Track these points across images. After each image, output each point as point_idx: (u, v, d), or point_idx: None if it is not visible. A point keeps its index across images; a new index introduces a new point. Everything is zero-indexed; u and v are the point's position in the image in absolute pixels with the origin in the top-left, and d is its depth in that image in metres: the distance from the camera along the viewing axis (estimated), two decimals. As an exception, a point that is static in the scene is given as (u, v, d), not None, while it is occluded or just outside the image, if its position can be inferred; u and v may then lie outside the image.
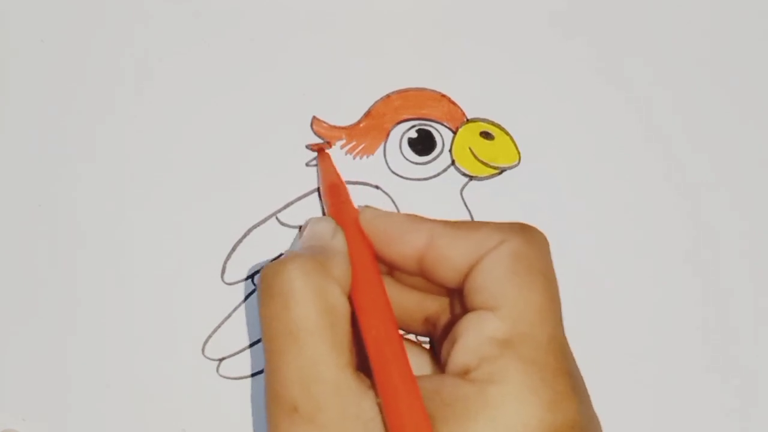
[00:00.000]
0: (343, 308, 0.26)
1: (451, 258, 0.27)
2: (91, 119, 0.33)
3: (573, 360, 0.26)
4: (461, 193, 0.33)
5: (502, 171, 0.33)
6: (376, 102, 0.33)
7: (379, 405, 0.25)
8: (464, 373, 0.25)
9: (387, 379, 0.25)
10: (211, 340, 0.32)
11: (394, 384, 0.24)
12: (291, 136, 0.33)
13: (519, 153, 0.33)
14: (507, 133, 0.34)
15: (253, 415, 0.32)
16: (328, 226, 0.29)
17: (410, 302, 0.30)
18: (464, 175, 0.33)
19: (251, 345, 0.32)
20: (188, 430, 0.32)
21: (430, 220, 0.28)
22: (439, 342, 0.29)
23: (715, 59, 0.35)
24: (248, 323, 0.32)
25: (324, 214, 0.32)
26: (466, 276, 0.27)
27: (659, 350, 0.33)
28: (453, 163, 0.33)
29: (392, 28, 0.34)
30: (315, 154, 0.33)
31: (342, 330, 0.26)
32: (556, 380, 0.25)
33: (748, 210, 0.34)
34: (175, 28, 0.34)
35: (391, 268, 0.29)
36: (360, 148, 0.33)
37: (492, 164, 0.33)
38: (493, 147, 0.33)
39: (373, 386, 0.25)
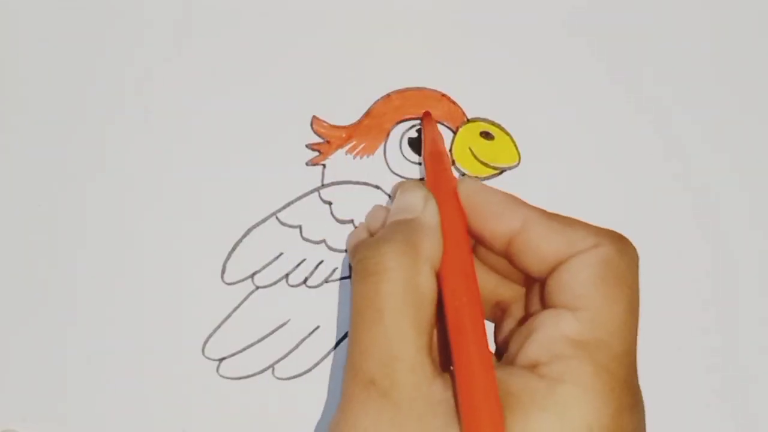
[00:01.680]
0: (430, 291, 0.26)
1: (541, 248, 0.27)
2: (91, 120, 0.33)
3: (637, 376, 0.26)
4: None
5: (502, 171, 0.33)
6: (376, 102, 0.33)
7: (453, 378, 0.25)
8: (533, 367, 0.25)
9: (465, 355, 0.25)
10: (211, 340, 0.32)
11: (472, 362, 0.25)
12: (291, 136, 0.33)
13: (519, 153, 0.33)
14: (507, 133, 0.34)
15: (252, 415, 0.32)
16: (419, 195, 0.29)
17: (487, 283, 0.30)
18: (464, 175, 0.33)
19: (251, 345, 0.32)
20: (188, 430, 0.32)
21: (528, 205, 0.28)
22: (505, 332, 0.29)
23: (717, 59, 0.35)
24: (248, 323, 0.32)
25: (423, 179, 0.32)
26: (551, 271, 0.27)
27: (660, 350, 0.33)
28: (453, 163, 0.33)
29: (393, 28, 0.34)
30: (315, 153, 0.33)
31: (426, 312, 0.26)
32: (624, 392, 0.25)
33: (750, 209, 0.34)
34: (175, 28, 0.34)
35: (477, 244, 0.29)
36: (360, 147, 0.33)
37: (492, 164, 0.33)
38: (493, 147, 0.33)
39: (447, 372, 0.26)
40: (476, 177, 0.33)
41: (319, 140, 0.33)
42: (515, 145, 0.33)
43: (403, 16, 0.34)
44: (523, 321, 0.28)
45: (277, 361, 0.32)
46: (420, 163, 0.33)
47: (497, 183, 0.33)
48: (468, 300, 0.26)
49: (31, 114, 0.33)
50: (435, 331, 0.28)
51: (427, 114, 0.33)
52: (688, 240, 0.34)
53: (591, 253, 0.26)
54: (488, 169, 0.33)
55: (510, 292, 0.30)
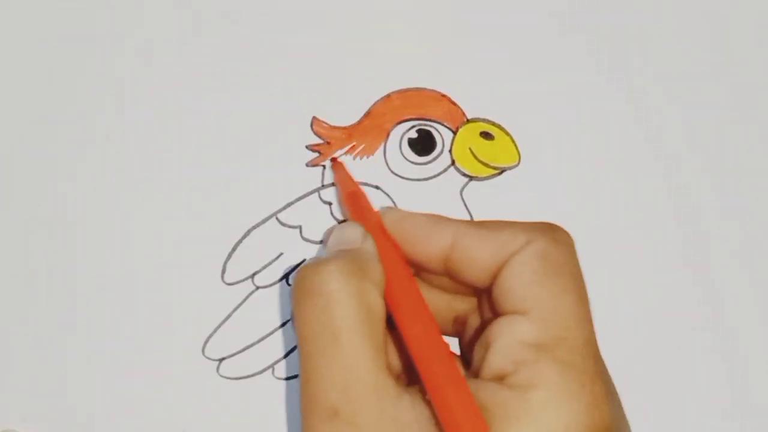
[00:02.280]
0: (380, 310, 0.26)
1: (476, 258, 0.27)
2: (91, 119, 0.33)
3: (603, 362, 0.26)
4: (461, 194, 0.33)
5: (502, 171, 0.33)
6: (376, 102, 0.33)
7: (427, 403, 0.25)
8: (500, 378, 0.25)
9: (435, 378, 0.24)
10: (211, 340, 0.32)
11: (444, 382, 0.24)
12: (291, 136, 0.33)
13: (519, 153, 0.33)
14: (507, 133, 0.34)
15: (252, 415, 0.32)
16: (357, 231, 0.28)
17: (439, 303, 0.29)
18: (464, 175, 0.33)
19: (251, 345, 0.32)
20: (188, 430, 0.32)
21: (454, 220, 0.28)
22: (468, 344, 0.29)
23: (715, 58, 0.35)
24: (248, 323, 0.32)
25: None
26: (494, 278, 0.27)
27: (659, 350, 0.33)
28: (453, 163, 0.33)
29: (393, 28, 0.34)
30: (315, 154, 0.33)
31: (379, 332, 0.26)
32: (593, 383, 0.25)
33: (749, 211, 0.34)
34: (175, 27, 0.34)
35: (418, 269, 0.29)
36: (360, 148, 0.33)
37: (492, 164, 0.33)
38: (493, 147, 0.33)
39: (410, 387, 0.25)
40: (477, 177, 0.33)
41: (319, 141, 0.33)
42: (515, 145, 0.33)
43: (403, 16, 0.34)
44: (480, 330, 0.27)
45: (277, 361, 0.32)
46: (419, 164, 0.33)
47: (497, 183, 0.33)
48: (424, 327, 0.26)
49: (31, 114, 0.33)
50: (390, 350, 0.27)
51: (333, 159, 0.33)
52: (689, 239, 0.34)
53: (525, 251, 0.26)
54: (488, 169, 0.33)
55: (464, 304, 0.29)
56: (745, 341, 0.33)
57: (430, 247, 0.28)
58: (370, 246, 0.28)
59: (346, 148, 0.33)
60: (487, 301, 0.28)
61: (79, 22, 0.34)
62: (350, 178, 0.32)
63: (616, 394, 0.26)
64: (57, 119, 0.33)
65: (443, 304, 0.29)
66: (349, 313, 0.25)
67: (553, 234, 0.27)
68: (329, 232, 0.31)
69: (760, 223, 0.34)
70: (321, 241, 0.33)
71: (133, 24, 0.34)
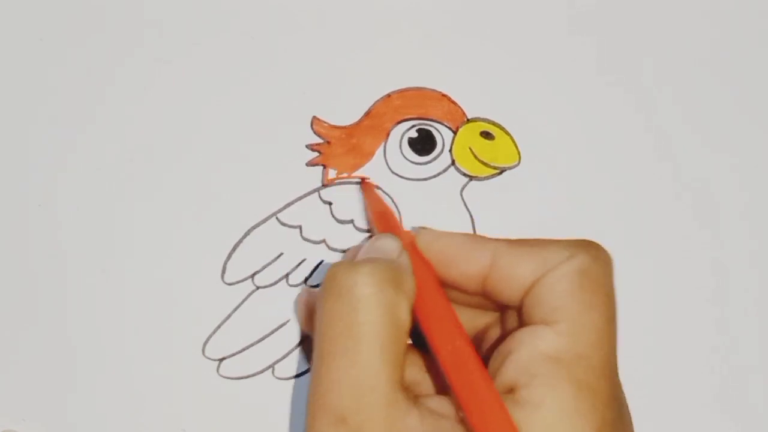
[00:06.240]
0: (406, 324, 0.26)
1: (517, 276, 0.26)
2: (90, 119, 0.33)
3: (620, 385, 0.26)
4: (461, 194, 0.33)
5: (502, 171, 0.33)
6: (376, 102, 0.33)
7: (462, 420, 0.25)
8: (512, 391, 0.25)
9: (472, 396, 0.24)
10: (211, 340, 0.32)
11: (482, 401, 0.24)
12: (291, 136, 0.33)
13: (519, 153, 0.33)
14: (507, 133, 0.34)
15: (252, 415, 0.32)
16: (394, 244, 0.28)
17: (462, 319, 0.28)
18: (464, 175, 0.33)
19: (251, 345, 0.32)
20: (188, 430, 0.32)
21: (493, 239, 0.28)
22: (483, 356, 0.28)
23: (716, 61, 0.35)
24: (248, 323, 0.32)
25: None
26: (528, 291, 0.26)
27: (659, 350, 0.33)
28: (453, 163, 0.33)
29: (393, 28, 0.34)
30: (315, 153, 0.33)
31: (401, 346, 0.25)
32: (606, 407, 0.24)
33: (750, 210, 0.34)
34: (174, 27, 0.34)
35: (448, 289, 0.29)
36: (360, 148, 0.33)
37: (492, 164, 0.33)
38: (493, 147, 0.33)
39: (419, 401, 0.25)
40: (477, 177, 0.33)
41: (319, 140, 0.33)
42: (515, 145, 0.33)
43: (403, 16, 0.34)
44: (499, 341, 0.27)
45: (277, 361, 0.32)
46: (419, 164, 0.33)
47: (497, 183, 0.33)
48: (459, 344, 0.25)
49: (31, 114, 0.33)
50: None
51: (363, 180, 0.33)
52: (689, 240, 0.34)
53: (565, 264, 0.26)
54: (488, 169, 0.33)
55: (485, 319, 0.29)
56: (745, 341, 0.33)
57: (469, 267, 0.27)
58: (405, 260, 0.27)
59: (347, 148, 0.33)
60: (513, 314, 0.28)
61: (78, 22, 0.34)
62: (380, 199, 0.32)
63: (629, 419, 0.26)
64: (57, 119, 0.33)
65: (466, 320, 0.29)
66: (375, 320, 0.25)
67: (594, 251, 0.26)
68: (364, 242, 0.30)
69: (761, 222, 0.34)
70: (321, 241, 0.33)
71: (133, 24, 0.34)
